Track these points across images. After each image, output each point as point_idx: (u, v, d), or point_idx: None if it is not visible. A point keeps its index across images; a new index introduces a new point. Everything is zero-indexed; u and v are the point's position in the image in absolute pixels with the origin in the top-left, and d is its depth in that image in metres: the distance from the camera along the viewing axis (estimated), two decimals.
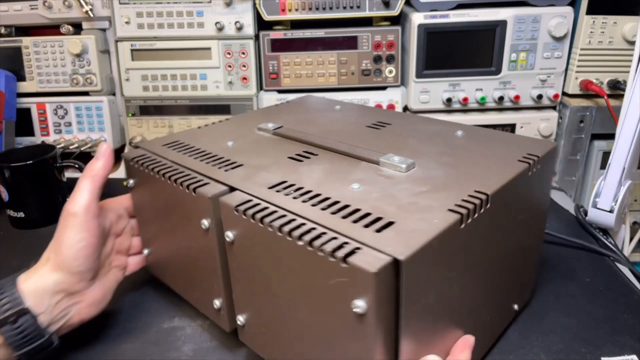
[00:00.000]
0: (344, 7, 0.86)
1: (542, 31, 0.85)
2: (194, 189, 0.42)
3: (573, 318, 0.50)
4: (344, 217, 0.35)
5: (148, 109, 0.94)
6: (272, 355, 0.41)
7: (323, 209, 0.36)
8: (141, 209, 0.52)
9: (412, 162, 0.45)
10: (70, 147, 0.93)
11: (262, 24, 0.90)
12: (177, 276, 0.51)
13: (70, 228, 0.43)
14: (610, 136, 0.72)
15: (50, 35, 0.92)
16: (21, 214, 0.72)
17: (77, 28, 0.94)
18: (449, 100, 0.89)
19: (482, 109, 0.92)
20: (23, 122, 0.94)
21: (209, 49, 0.90)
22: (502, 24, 0.85)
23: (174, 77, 0.92)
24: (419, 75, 0.89)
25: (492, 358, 0.45)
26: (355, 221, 0.35)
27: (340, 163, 0.46)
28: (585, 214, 0.69)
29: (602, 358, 0.45)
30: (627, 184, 0.64)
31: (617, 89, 0.87)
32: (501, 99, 0.90)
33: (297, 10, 0.86)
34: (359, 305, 0.30)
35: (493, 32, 0.86)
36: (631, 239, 0.74)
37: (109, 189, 0.85)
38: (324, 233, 0.33)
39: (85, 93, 0.95)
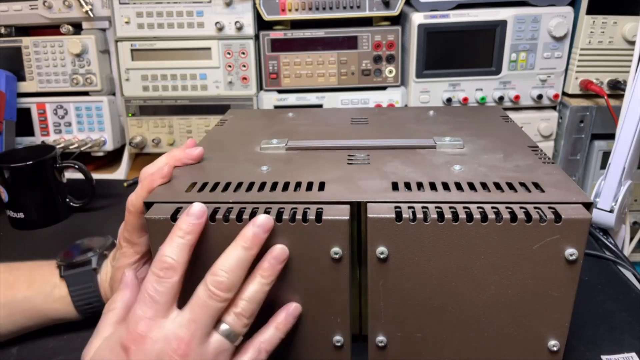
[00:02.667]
0: (344, 7, 0.86)
1: (542, 31, 0.85)
2: (318, 218, 0.36)
3: (572, 316, 0.50)
4: (515, 191, 0.38)
5: (148, 109, 0.94)
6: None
7: (489, 190, 0.38)
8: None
9: (460, 138, 0.47)
10: (70, 147, 0.93)
11: (262, 24, 0.90)
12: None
13: None
14: (610, 136, 0.71)
15: (50, 35, 0.92)
16: (21, 215, 0.72)
17: (77, 28, 0.94)
18: (449, 100, 0.89)
19: None
20: (23, 122, 0.94)
21: (209, 49, 0.90)
22: (502, 24, 0.85)
23: (174, 77, 0.92)
24: (419, 75, 0.89)
25: None
26: (529, 191, 0.38)
27: (406, 156, 0.45)
28: None
29: (601, 356, 0.45)
30: (627, 184, 0.64)
31: (617, 89, 0.87)
32: (501, 99, 0.90)
33: (297, 10, 0.86)
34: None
35: (493, 32, 0.86)
36: (631, 239, 0.74)
37: (110, 189, 0.85)
38: (535, 206, 0.36)
39: (85, 93, 0.95)
